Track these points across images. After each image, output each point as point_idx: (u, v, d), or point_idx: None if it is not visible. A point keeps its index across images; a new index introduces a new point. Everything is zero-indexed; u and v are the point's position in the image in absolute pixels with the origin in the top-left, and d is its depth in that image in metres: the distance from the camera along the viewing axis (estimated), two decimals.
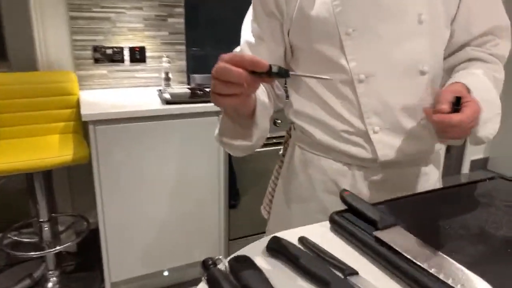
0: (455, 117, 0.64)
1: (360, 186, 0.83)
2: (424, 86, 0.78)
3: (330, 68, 0.78)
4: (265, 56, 0.85)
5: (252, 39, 0.84)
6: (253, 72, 0.53)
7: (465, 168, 3.58)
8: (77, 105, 1.97)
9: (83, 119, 1.59)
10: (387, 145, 0.80)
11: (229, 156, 1.91)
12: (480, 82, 0.76)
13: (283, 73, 0.54)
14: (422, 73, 0.77)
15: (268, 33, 0.84)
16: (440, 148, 0.90)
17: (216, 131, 0.77)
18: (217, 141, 0.78)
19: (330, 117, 0.82)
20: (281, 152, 1.02)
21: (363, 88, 0.77)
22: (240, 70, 0.52)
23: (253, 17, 0.86)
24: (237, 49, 0.88)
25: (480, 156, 3.63)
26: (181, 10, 2.25)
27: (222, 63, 0.52)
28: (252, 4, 0.86)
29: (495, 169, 3.53)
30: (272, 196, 1.04)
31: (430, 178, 0.88)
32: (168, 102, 1.80)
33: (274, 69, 0.53)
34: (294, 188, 0.93)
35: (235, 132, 0.73)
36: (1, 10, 1.93)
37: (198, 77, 2.40)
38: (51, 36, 2.00)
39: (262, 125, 0.70)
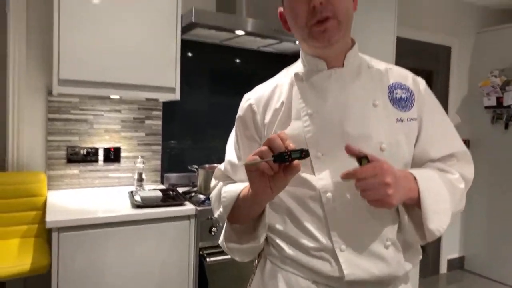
0: (351, 170, 0.72)
1: None
2: (392, 214, 0.83)
3: (301, 184, 0.84)
4: (242, 174, 0.93)
5: (234, 159, 0.97)
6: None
7: (443, 267, 3.54)
8: (43, 207, 1.91)
9: (48, 226, 1.52)
10: (353, 264, 0.81)
11: (200, 262, 1.83)
12: (430, 176, 0.82)
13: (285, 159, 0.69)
14: None
15: (246, 153, 0.92)
16: (411, 269, 0.89)
17: (221, 238, 0.92)
18: (223, 247, 0.91)
19: (299, 231, 0.85)
20: (254, 263, 1.01)
21: (330, 205, 0.81)
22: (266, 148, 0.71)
23: (235, 139, 0.97)
24: (221, 166, 1.02)
25: (456, 255, 3.62)
26: (159, 113, 2.34)
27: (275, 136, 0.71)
28: (235, 127, 0.97)
29: (471, 268, 3.51)
30: None
31: None
32: (138, 206, 1.76)
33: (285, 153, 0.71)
34: None
35: (243, 236, 0.88)
36: None
37: (172, 177, 2.41)
38: (26, 137, 2.01)
39: (266, 227, 0.86)
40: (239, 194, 0.87)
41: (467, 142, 3.82)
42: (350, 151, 0.74)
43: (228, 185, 0.93)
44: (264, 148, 0.71)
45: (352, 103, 0.84)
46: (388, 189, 0.71)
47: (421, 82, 0.91)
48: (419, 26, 3.42)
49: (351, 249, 0.81)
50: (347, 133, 0.82)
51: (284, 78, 0.93)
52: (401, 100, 0.87)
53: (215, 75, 2.54)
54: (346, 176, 0.72)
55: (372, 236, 0.81)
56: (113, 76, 1.88)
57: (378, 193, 0.71)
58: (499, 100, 3.49)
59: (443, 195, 0.80)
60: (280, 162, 0.70)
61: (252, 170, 0.73)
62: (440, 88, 3.67)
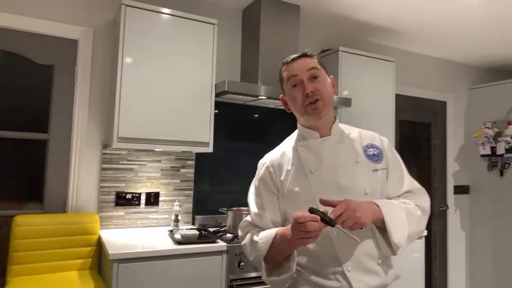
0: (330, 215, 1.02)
1: None
2: (375, 239, 1.15)
3: None
4: (268, 220, 1.23)
5: (257, 210, 1.26)
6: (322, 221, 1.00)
7: None
8: (96, 243, 2.25)
9: (110, 258, 1.85)
10: (357, 280, 1.12)
11: None
12: (389, 203, 1.13)
13: (330, 223, 1.00)
14: (371, 230, 1.15)
15: (268, 203, 1.24)
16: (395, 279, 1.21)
17: (264, 276, 1.16)
18: (266, 281, 1.16)
19: (317, 262, 1.15)
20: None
21: (337, 240, 1.13)
22: (318, 223, 1.00)
23: (257, 194, 1.27)
24: (248, 218, 1.28)
25: None
26: (192, 162, 2.73)
27: (307, 222, 0.99)
28: (255, 185, 1.29)
29: None
30: None
31: None
32: (179, 242, 2.09)
33: (326, 218, 1.01)
34: None
35: (279, 270, 1.13)
36: (47, 161, 2.35)
37: (200, 218, 2.74)
38: (83, 184, 2.40)
39: (296, 260, 1.13)
40: (273, 239, 1.14)
41: (467, 188, 4.12)
42: (324, 202, 1.05)
43: (261, 233, 1.20)
44: (315, 223, 1.01)
45: (341, 162, 1.19)
46: (356, 213, 1.02)
47: (385, 140, 1.28)
48: (416, 84, 3.86)
49: (355, 269, 1.12)
50: (340, 184, 1.16)
51: (288, 146, 1.28)
52: (374, 156, 1.23)
53: (239, 128, 2.95)
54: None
55: (368, 258, 1.14)
56: (160, 133, 2.29)
57: (352, 219, 1.02)
58: (493, 149, 3.84)
59: (401, 217, 1.12)
60: (329, 225, 1.02)
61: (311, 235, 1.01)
62: (438, 138, 4.04)
